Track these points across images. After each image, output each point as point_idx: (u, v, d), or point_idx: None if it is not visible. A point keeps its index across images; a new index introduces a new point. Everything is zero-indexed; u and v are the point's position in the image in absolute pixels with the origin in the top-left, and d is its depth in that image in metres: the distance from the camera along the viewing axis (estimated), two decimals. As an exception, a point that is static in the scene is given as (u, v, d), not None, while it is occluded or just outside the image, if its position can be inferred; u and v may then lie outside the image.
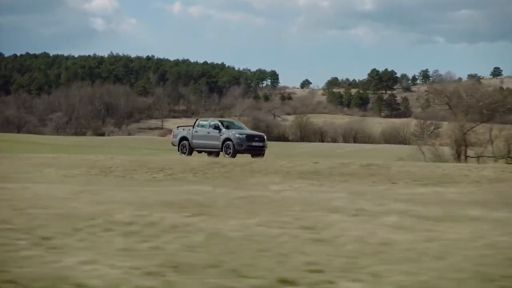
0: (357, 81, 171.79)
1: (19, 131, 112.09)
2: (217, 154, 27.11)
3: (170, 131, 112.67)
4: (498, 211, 8.34)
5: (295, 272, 4.78)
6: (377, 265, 5.06)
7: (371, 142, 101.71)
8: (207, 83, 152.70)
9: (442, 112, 41.97)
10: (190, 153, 28.19)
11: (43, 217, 6.51)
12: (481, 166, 21.36)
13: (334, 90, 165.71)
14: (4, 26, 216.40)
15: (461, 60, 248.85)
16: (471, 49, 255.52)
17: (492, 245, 5.87)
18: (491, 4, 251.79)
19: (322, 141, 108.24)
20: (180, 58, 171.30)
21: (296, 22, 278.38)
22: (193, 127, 29.00)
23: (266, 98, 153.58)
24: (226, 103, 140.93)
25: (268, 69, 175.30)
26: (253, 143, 27.50)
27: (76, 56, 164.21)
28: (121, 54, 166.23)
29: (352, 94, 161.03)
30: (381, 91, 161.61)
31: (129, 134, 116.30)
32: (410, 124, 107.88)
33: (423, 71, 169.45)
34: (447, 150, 35.57)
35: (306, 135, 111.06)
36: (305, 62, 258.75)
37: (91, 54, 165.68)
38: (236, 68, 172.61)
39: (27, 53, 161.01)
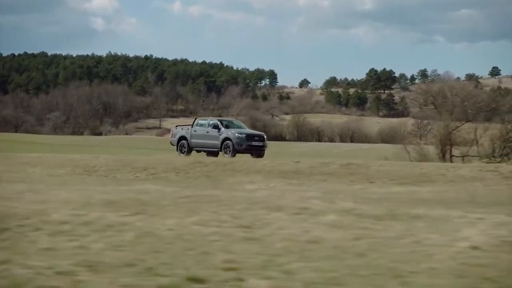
0: (355, 80, 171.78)
1: (16, 130, 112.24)
2: (216, 154, 26.84)
3: (168, 130, 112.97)
4: (446, 210, 8.39)
5: (210, 270, 4.85)
6: (295, 263, 5.14)
7: (368, 142, 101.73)
8: (205, 83, 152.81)
9: (427, 111, 42.12)
10: (189, 153, 27.82)
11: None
12: (458, 165, 21.44)
13: (333, 89, 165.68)
14: (4, 26, 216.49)
15: (461, 60, 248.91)
16: (472, 48, 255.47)
17: (418, 242, 5.94)
18: (491, 4, 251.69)
19: (319, 140, 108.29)
20: (179, 57, 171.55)
21: (296, 22, 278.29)
22: (192, 127, 28.64)
23: (264, 97, 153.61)
24: (224, 103, 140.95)
25: (267, 69, 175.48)
26: (253, 143, 27.20)
27: (74, 55, 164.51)
28: (119, 54, 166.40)
29: (350, 93, 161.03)
30: (379, 91, 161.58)
31: (126, 134, 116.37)
32: (407, 123, 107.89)
33: (421, 70, 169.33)
34: (432, 150, 35.68)
35: (303, 134, 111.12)
36: (304, 62, 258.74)
37: (90, 53, 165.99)
38: (235, 68, 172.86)
39: (25, 53, 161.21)
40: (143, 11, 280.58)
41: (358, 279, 4.69)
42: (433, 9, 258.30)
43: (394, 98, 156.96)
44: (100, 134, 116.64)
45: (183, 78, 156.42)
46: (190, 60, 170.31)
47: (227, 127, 28.00)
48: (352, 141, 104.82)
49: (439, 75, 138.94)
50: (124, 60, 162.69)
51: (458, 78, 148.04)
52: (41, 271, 4.54)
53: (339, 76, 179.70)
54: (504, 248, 5.68)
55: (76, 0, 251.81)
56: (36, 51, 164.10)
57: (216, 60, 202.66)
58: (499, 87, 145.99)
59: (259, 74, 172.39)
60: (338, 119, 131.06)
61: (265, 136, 28.92)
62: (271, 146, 52.57)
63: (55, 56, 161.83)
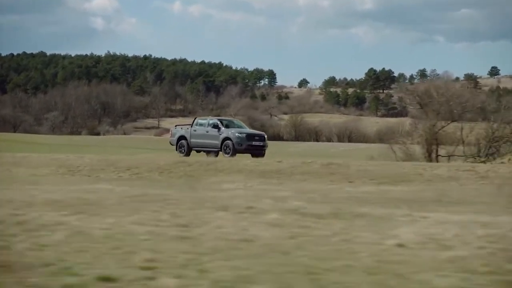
0: (354, 80, 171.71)
1: (15, 130, 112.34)
2: (216, 154, 26.59)
3: (166, 130, 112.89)
4: (396, 209, 8.42)
5: (127, 269, 4.88)
6: (217, 261, 5.17)
7: (366, 142, 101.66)
8: (204, 83, 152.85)
9: (413, 111, 42.18)
10: (188, 153, 27.55)
11: None
12: (436, 165, 21.50)
13: (332, 89, 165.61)
14: (4, 26, 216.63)
15: (461, 60, 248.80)
16: (472, 48, 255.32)
17: (348, 240, 5.98)
18: (491, 4, 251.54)
19: (317, 140, 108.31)
20: (178, 57, 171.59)
21: (296, 22, 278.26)
22: (191, 126, 28.35)
23: (263, 97, 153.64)
24: (223, 103, 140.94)
25: (266, 69, 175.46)
26: (253, 143, 26.95)
27: (73, 55, 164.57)
28: (118, 54, 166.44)
29: (349, 93, 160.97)
30: (378, 91, 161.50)
31: (124, 134, 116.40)
32: (405, 123, 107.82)
33: (420, 70, 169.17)
34: (418, 149, 35.71)
35: (301, 134, 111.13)
36: (304, 61, 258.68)
37: (88, 53, 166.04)
38: (234, 68, 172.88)
39: (24, 52, 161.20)
40: (143, 11, 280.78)
41: (269, 277, 4.72)
42: (433, 9, 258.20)
43: (393, 97, 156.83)
44: (98, 134, 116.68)
45: (182, 78, 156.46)
46: (189, 60, 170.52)
47: (227, 126, 27.76)
48: (350, 141, 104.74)
49: (438, 75, 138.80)
50: (123, 60, 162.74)
51: (457, 78, 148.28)
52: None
53: (339, 76, 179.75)
54: (428, 245, 5.72)
55: (76, 0, 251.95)
56: (35, 51, 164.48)
57: (216, 60, 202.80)
58: (498, 87, 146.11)
59: (258, 74, 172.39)
60: (337, 119, 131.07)
61: (265, 136, 28.70)
62: (269, 146, 52.60)
63: (53, 56, 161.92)
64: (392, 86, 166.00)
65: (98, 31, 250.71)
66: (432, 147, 34.27)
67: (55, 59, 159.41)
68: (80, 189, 9.55)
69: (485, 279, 4.61)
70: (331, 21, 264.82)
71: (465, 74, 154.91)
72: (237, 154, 26.43)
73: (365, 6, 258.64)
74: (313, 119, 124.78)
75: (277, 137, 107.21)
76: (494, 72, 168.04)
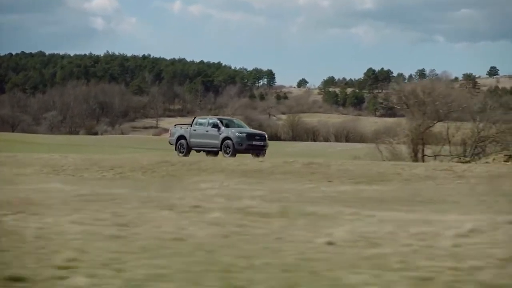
0: (353, 80, 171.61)
1: (13, 130, 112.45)
2: (216, 154, 26.39)
3: (164, 130, 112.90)
4: (349, 208, 8.40)
5: (43, 269, 4.86)
6: (139, 260, 5.16)
7: (364, 142, 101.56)
8: (202, 82, 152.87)
9: (401, 111, 42.22)
10: (188, 153, 27.28)
11: None
12: (415, 164, 21.52)
13: (330, 89, 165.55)
14: (4, 25, 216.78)
15: (461, 60, 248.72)
16: (472, 48, 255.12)
17: (281, 238, 5.97)
18: (491, 4, 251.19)
19: (314, 140, 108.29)
20: (177, 57, 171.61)
21: (296, 22, 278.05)
22: (191, 126, 28.07)
23: (262, 97, 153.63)
24: (221, 102, 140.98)
25: (266, 69, 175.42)
26: (254, 142, 26.66)
27: (71, 55, 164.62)
28: (117, 53, 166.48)
29: (348, 93, 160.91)
30: (376, 91, 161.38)
31: (122, 133, 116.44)
32: (402, 123, 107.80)
33: (419, 70, 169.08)
34: (404, 149, 35.68)
35: (298, 134, 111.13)
36: (304, 61, 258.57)
37: (87, 53, 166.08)
38: (233, 67, 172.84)
39: (23, 52, 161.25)
40: (143, 11, 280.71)
41: (182, 275, 4.71)
42: (433, 9, 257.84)
43: (391, 97, 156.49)
44: (96, 133, 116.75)
45: (181, 77, 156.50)
46: (188, 59, 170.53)
47: (227, 126, 27.50)
48: (347, 141, 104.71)
49: (437, 74, 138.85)
50: (122, 60, 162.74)
51: (456, 78, 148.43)
52: None
53: (339, 76, 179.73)
54: (358, 243, 5.70)
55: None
56: (34, 51, 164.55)
57: (215, 59, 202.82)
58: (497, 87, 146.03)
59: (257, 74, 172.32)
60: (335, 119, 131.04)
61: (266, 136, 28.41)
62: (266, 146, 52.55)
63: (52, 55, 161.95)
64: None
65: (98, 31, 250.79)
66: (418, 147, 34.29)
67: (53, 58, 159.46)
68: (29, 189, 9.53)
69: (396, 275, 4.60)
70: (331, 21, 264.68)
71: (463, 74, 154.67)
72: (237, 154, 26.17)
73: (365, 5, 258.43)
74: (312, 119, 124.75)
75: (274, 137, 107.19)
76: (493, 72, 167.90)
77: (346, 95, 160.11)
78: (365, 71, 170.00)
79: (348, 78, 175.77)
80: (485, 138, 34.79)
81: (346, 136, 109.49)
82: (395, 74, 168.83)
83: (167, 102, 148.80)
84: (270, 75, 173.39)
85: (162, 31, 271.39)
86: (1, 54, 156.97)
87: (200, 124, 27.95)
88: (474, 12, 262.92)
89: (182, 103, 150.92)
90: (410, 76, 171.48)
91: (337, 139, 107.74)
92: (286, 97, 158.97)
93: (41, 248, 5.54)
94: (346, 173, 19.16)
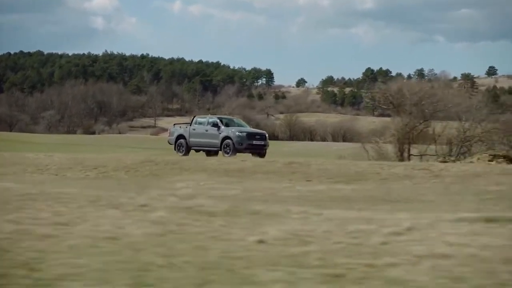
0: (352, 80, 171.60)
1: (11, 129, 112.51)
2: (216, 153, 26.23)
3: (163, 129, 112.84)
4: (303, 207, 8.34)
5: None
6: (60, 259, 5.09)
7: (360, 141, 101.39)
8: (201, 82, 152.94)
9: (388, 111, 42.22)
10: (187, 153, 27.05)
11: None
12: (394, 164, 21.49)
13: (329, 89, 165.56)
14: (4, 25, 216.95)
15: (461, 60, 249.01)
16: (472, 48, 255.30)
17: (214, 237, 5.93)
18: (491, 4, 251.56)
19: (312, 140, 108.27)
20: (176, 56, 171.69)
21: (296, 22, 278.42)
22: (190, 125, 27.84)
23: (260, 97, 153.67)
24: (220, 102, 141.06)
25: (265, 68, 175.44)
26: (254, 142, 26.39)
27: (70, 54, 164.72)
28: (116, 53, 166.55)
29: (346, 93, 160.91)
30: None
31: (120, 133, 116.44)
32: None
33: (418, 70, 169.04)
34: (390, 148, 35.62)
35: (295, 134, 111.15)
36: (304, 61, 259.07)
37: (86, 52, 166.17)
38: (232, 67, 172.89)
39: (21, 51, 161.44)
40: (143, 11, 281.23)
41: (95, 274, 4.67)
42: (433, 8, 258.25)
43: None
44: (93, 133, 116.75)
45: (179, 77, 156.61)
46: (187, 59, 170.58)
47: (227, 125, 27.25)
48: (344, 141, 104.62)
49: (436, 74, 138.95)
50: (120, 59, 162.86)
51: (455, 78, 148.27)
52: None
53: (338, 76, 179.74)
54: (289, 242, 5.66)
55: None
56: (33, 50, 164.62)
57: (215, 59, 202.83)
58: (495, 87, 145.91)
59: (256, 74, 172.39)
60: (333, 119, 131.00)
61: (266, 135, 28.10)
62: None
63: (51, 54, 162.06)
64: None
65: (98, 31, 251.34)
66: (404, 147, 34.26)
67: (52, 58, 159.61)
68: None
69: (310, 272, 4.58)
70: (331, 21, 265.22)
71: (461, 74, 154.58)
72: (237, 154, 25.94)
73: (366, 5, 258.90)
74: (310, 119, 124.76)
75: (272, 137, 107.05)
76: (491, 72, 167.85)
77: (344, 95, 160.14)
78: (364, 71, 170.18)
79: (347, 78, 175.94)
80: (470, 138, 34.78)
81: (343, 135, 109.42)
82: (394, 73, 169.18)
83: (166, 101, 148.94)
84: (269, 74, 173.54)
85: (162, 31, 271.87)
86: (0, 54, 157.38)
87: (200, 123, 27.74)
88: (474, 12, 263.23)
89: (180, 102, 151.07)
90: (409, 76, 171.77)
91: (334, 139, 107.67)
92: (284, 97, 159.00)
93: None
94: (326, 172, 19.15)
